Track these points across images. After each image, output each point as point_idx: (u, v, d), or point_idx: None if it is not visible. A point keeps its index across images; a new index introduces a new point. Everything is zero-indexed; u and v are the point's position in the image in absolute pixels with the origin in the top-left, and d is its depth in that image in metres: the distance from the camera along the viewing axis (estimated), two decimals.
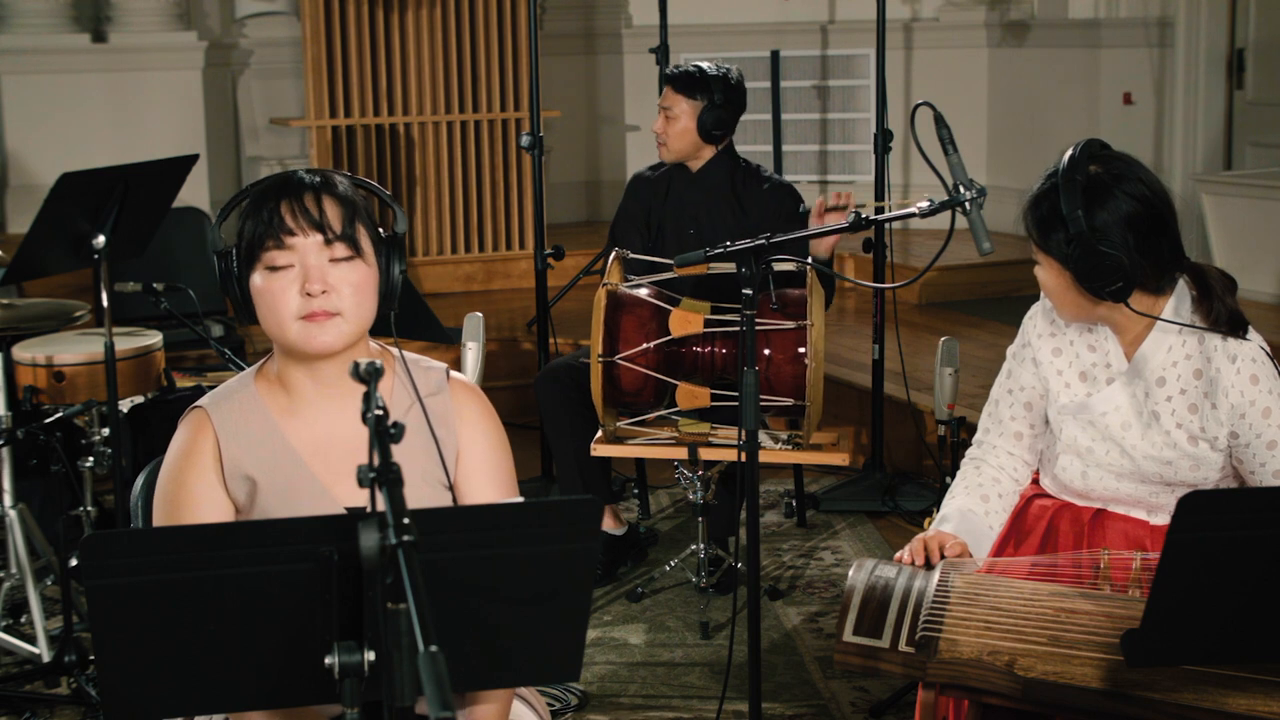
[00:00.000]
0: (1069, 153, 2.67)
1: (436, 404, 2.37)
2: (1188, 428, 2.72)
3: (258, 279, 2.25)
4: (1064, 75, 7.83)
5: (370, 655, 1.80)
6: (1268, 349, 2.72)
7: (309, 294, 2.23)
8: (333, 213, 2.24)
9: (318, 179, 2.27)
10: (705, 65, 4.65)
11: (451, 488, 2.37)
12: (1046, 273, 2.73)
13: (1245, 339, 2.70)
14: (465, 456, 2.39)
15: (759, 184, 4.67)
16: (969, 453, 3.00)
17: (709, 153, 4.66)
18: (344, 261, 2.25)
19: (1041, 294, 2.88)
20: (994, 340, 6.22)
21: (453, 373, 2.43)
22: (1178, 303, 2.72)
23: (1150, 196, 2.65)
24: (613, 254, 4.29)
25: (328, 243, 2.23)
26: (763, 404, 4.04)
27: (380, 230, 2.32)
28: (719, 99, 4.59)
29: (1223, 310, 2.70)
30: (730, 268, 3.04)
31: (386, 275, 2.30)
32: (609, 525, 4.65)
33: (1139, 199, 2.63)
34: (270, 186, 2.26)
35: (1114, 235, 2.62)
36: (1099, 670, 2.36)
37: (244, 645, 1.86)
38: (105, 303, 3.92)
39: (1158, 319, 2.71)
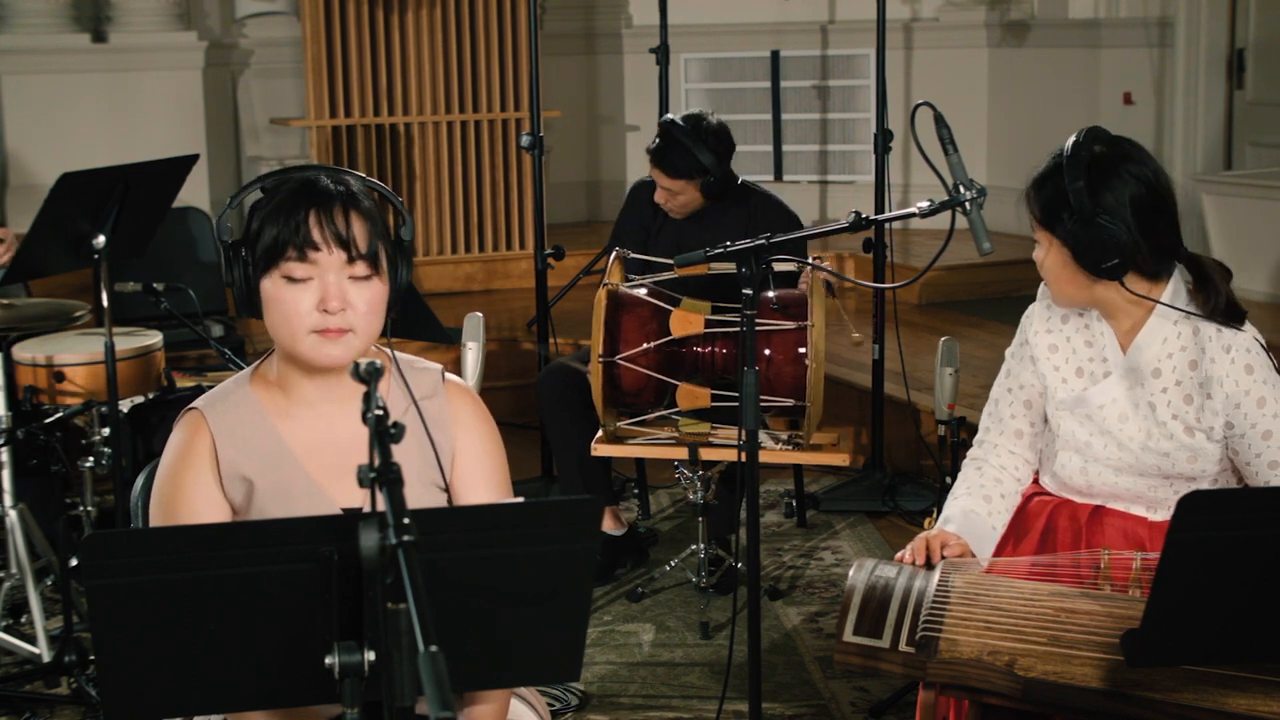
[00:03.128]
0: (1073, 137, 2.70)
1: (432, 406, 2.37)
2: (1183, 419, 2.73)
3: (271, 285, 2.23)
4: (1064, 75, 7.83)
5: (370, 655, 1.80)
6: (1262, 340, 2.73)
7: (326, 310, 2.22)
8: (359, 229, 2.22)
9: (343, 188, 2.24)
10: (680, 128, 4.50)
11: (446, 489, 2.37)
12: (1046, 252, 2.75)
13: (1240, 330, 2.71)
14: (460, 459, 2.39)
15: (773, 217, 4.60)
16: (970, 454, 3.00)
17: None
18: (363, 280, 2.23)
19: (1039, 292, 2.89)
20: (994, 340, 6.22)
21: (448, 375, 2.43)
22: (1174, 291, 2.74)
23: (1153, 179, 2.69)
24: (613, 254, 4.29)
25: (350, 260, 2.22)
26: (763, 404, 4.04)
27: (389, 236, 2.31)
28: (711, 166, 4.49)
29: (1219, 300, 2.72)
30: (730, 268, 3.04)
31: (394, 282, 2.29)
32: (609, 526, 4.65)
33: (1142, 180, 2.67)
34: (297, 193, 2.22)
35: (1115, 213, 2.65)
36: (1099, 670, 2.36)
37: (244, 645, 1.86)
38: (105, 303, 3.92)
39: (1157, 302, 2.72)
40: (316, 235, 2.20)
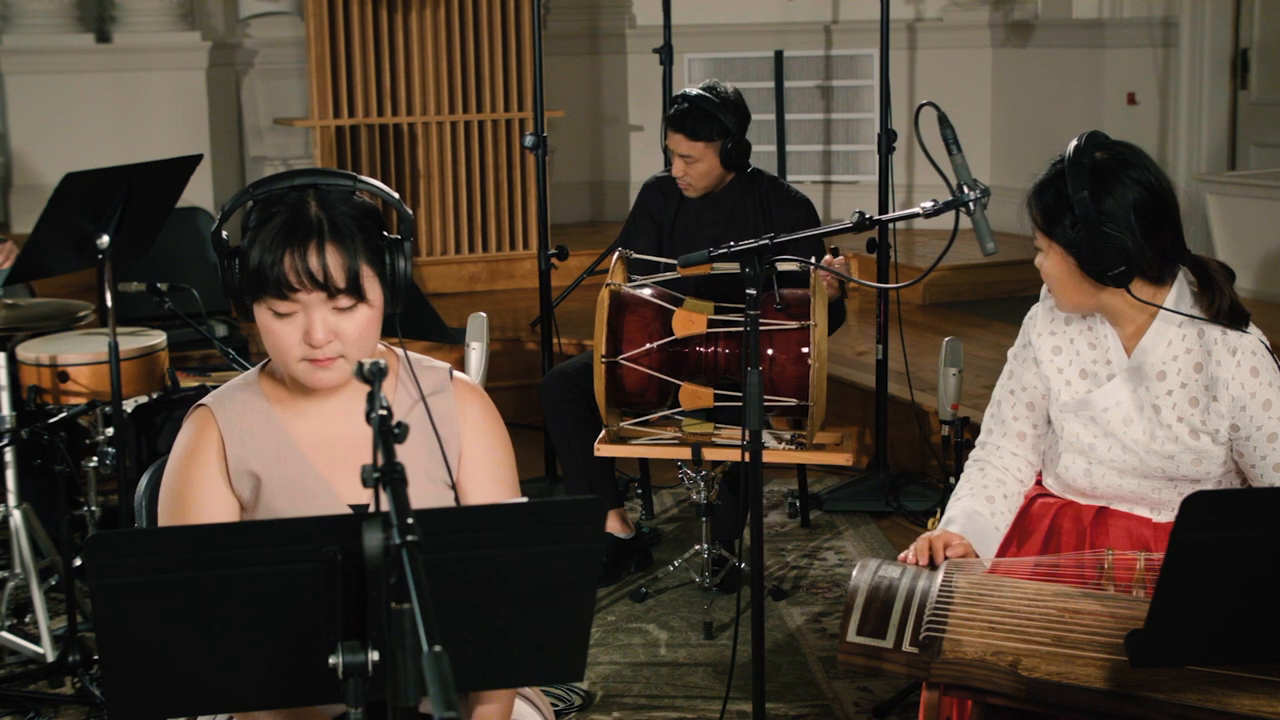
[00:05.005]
0: (1074, 142, 2.69)
1: (440, 403, 2.37)
2: (1189, 421, 2.73)
3: (260, 313, 2.24)
4: (1068, 75, 7.83)
5: (374, 655, 1.81)
6: (1267, 342, 2.73)
7: (311, 344, 2.23)
8: (336, 264, 2.20)
9: (322, 217, 2.21)
10: (701, 95, 4.51)
11: (454, 486, 2.37)
12: (1049, 260, 2.74)
13: (1245, 332, 2.71)
14: (468, 456, 2.39)
15: (780, 200, 4.62)
16: (972, 455, 3.00)
17: (730, 176, 4.63)
18: (347, 310, 2.23)
19: (1041, 293, 2.89)
20: (998, 340, 6.21)
21: (455, 372, 2.43)
22: (1178, 294, 2.73)
23: (1155, 184, 2.68)
24: (616, 254, 4.29)
25: (330, 296, 2.22)
26: (766, 404, 4.04)
27: (386, 233, 2.30)
28: (734, 129, 4.52)
29: (1224, 302, 2.71)
30: (734, 268, 3.04)
31: (392, 277, 2.29)
32: (616, 529, 4.64)
33: (1145, 185, 2.66)
34: (277, 230, 2.21)
35: (1119, 220, 2.64)
36: (1103, 671, 2.36)
37: (248, 645, 1.86)
38: (109, 303, 3.92)
39: (1160, 308, 2.72)
40: (292, 278, 2.19)
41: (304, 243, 2.20)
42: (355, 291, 2.22)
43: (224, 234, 2.27)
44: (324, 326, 2.22)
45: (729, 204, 4.63)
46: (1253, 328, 2.73)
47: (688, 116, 4.51)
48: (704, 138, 4.51)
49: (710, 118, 4.49)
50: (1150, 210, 2.67)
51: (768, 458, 4.04)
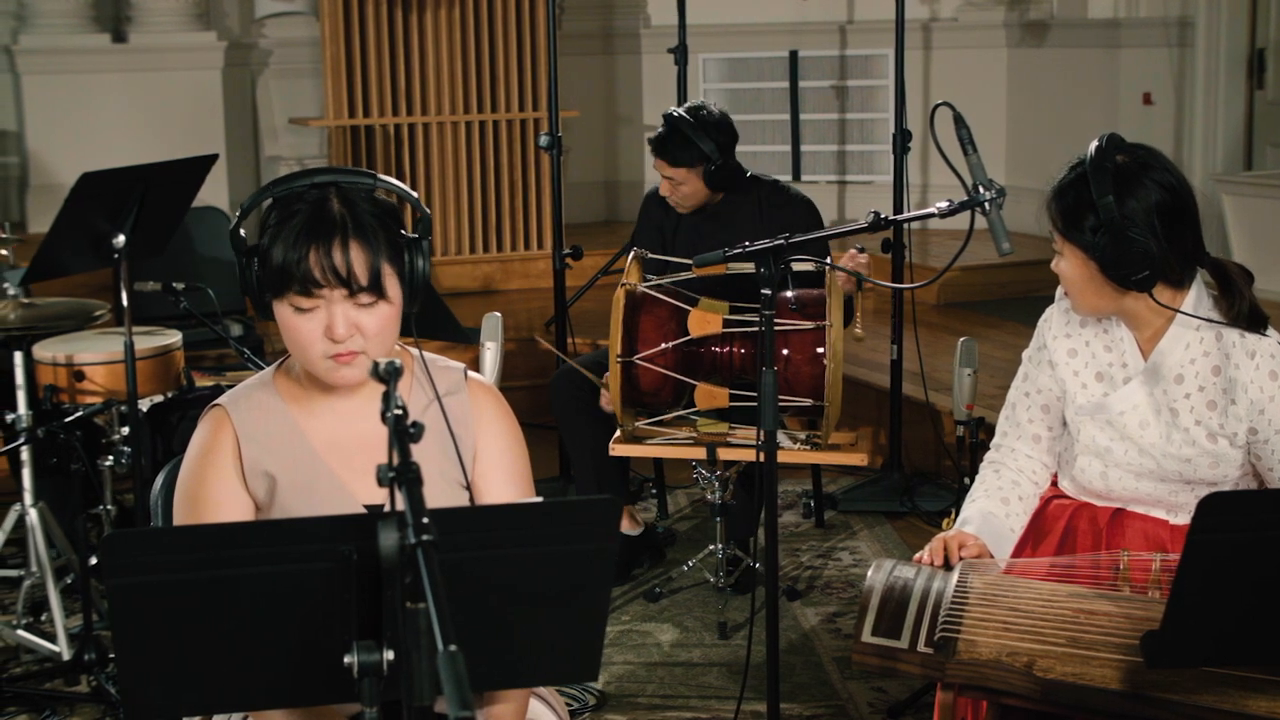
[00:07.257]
0: (1094, 144, 2.68)
1: (454, 403, 2.38)
2: (1206, 425, 2.72)
3: (281, 310, 2.25)
4: (1083, 75, 7.81)
5: (389, 654, 1.81)
6: None
7: (333, 339, 2.23)
8: (359, 261, 2.21)
9: (346, 215, 2.23)
10: (681, 118, 4.47)
11: (469, 487, 2.37)
12: (1069, 263, 2.72)
13: (1265, 335, 2.70)
14: (482, 456, 2.39)
15: (782, 202, 4.61)
16: (987, 456, 3.00)
17: (721, 195, 4.60)
18: (368, 306, 2.24)
19: (1056, 295, 2.88)
20: (1013, 341, 6.20)
21: (470, 373, 2.44)
22: (1197, 297, 2.72)
23: (1176, 186, 2.67)
24: (631, 254, 4.29)
25: (352, 293, 2.23)
26: (781, 404, 4.04)
27: (404, 231, 2.31)
28: (714, 154, 4.46)
29: (1243, 305, 2.71)
30: (749, 268, 3.04)
31: (411, 276, 2.29)
32: (625, 526, 4.65)
33: (1166, 188, 2.65)
34: (300, 227, 2.22)
35: (1142, 223, 2.63)
36: (1118, 672, 2.36)
37: (263, 644, 1.86)
38: (125, 302, 3.93)
39: (1179, 312, 2.71)
40: (317, 274, 2.20)
41: (328, 239, 2.21)
42: (376, 289, 2.23)
43: (242, 232, 2.28)
44: (345, 321, 2.23)
45: (728, 213, 4.60)
46: (1272, 331, 2.72)
47: (667, 142, 4.48)
48: (684, 164, 4.48)
49: (689, 144, 4.45)
50: (1172, 212, 2.66)
51: (782, 458, 4.04)
